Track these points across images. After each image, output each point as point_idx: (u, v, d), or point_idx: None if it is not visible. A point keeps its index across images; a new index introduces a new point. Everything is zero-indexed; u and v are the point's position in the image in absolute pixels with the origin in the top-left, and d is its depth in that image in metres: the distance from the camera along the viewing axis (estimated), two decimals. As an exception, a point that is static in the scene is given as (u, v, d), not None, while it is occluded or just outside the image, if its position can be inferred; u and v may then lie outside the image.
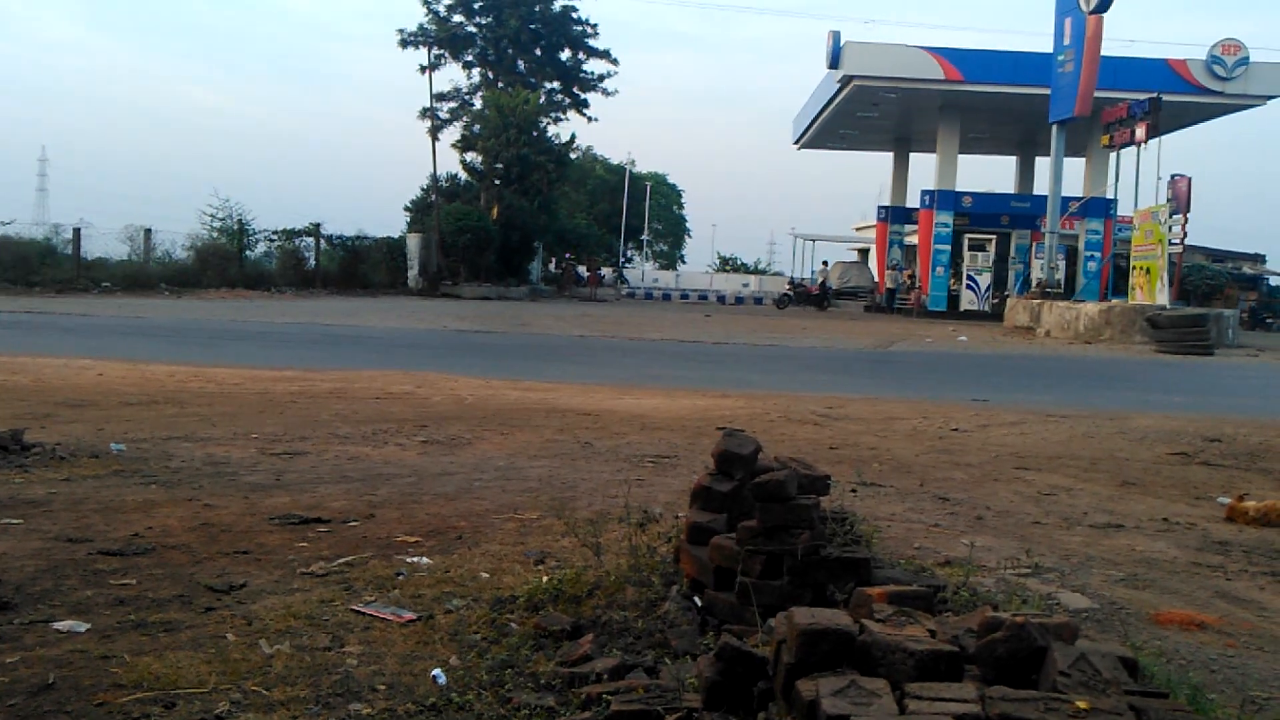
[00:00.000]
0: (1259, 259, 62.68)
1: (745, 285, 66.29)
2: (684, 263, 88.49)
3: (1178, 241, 30.70)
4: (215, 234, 41.20)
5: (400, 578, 4.77)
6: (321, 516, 5.88)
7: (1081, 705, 2.27)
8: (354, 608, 4.33)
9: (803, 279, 60.95)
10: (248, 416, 9.59)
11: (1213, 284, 48.59)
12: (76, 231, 36.47)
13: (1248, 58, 37.11)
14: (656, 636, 3.85)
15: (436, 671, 3.64)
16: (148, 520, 5.65)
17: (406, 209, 51.59)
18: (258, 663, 3.71)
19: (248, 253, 41.86)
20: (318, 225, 43.19)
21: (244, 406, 10.24)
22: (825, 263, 58.15)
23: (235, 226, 41.17)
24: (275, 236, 42.99)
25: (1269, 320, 49.96)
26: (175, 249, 40.06)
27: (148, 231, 39.12)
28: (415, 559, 5.09)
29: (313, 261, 43.15)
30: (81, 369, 12.87)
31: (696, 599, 4.01)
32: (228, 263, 39.45)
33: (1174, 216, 30.15)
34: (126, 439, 8.05)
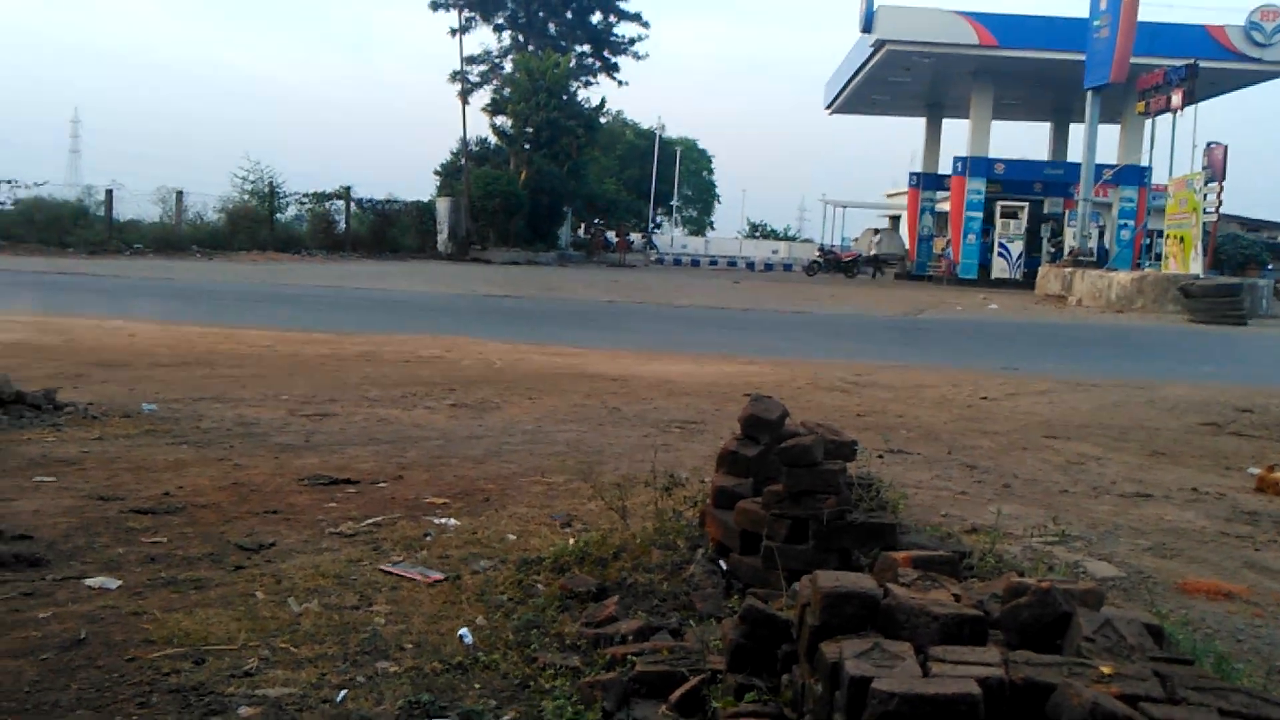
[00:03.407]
0: (1294, 229, 61.90)
1: (775, 252, 66.10)
2: (713, 229, 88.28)
3: (1212, 210, 30.38)
4: (246, 196, 41.34)
5: (428, 538, 4.80)
6: (350, 478, 5.92)
7: (1106, 670, 2.26)
8: (382, 567, 4.36)
9: (833, 246, 60.68)
10: (278, 378, 9.65)
11: (1247, 253, 48.11)
12: (109, 193, 36.68)
13: (1288, 23, 36.52)
14: (681, 599, 3.87)
15: (463, 631, 3.67)
16: (178, 479, 5.70)
17: (436, 173, 51.71)
18: (286, 620, 3.74)
19: (278, 215, 42.02)
20: (348, 189, 43.29)
21: (274, 368, 10.30)
22: (876, 231, 57.34)
23: (266, 189, 41.29)
24: (306, 199, 43.13)
25: (1304, 291, 49.33)
26: (207, 211, 40.29)
27: (179, 194, 39.32)
28: (443, 520, 5.13)
29: (343, 225, 43.27)
30: (114, 330, 12.98)
31: (721, 563, 4.02)
32: (258, 225, 39.62)
33: (1209, 185, 29.82)
34: (158, 399, 8.12)
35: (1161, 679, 2.27)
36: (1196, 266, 29.00)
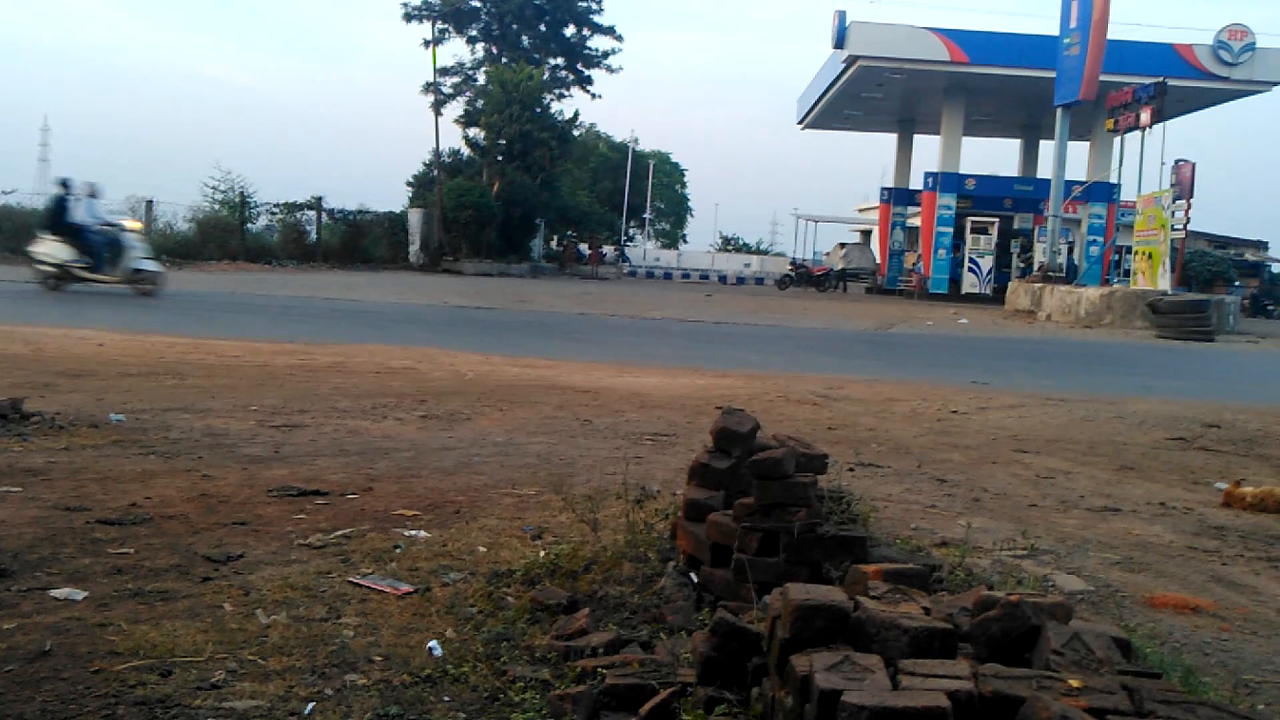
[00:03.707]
0: (1261, 245, 62.71)
1: (747, 265, 66.29)
2: (686, 242, 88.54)
3: (1180, 227, 30.69)
4: (217, 206, 41.25)
5: (398, 550, 4.78)
6: (320, 489, 5.88)
7: (1074, 683, 2.28)
8: (351, 579, 4.34)
9: (804, 260, 60.93)
10: (247, 389, 9.59)
11: (1214, 270, 48.62)
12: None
13: (1254, 43, 37.06)
14: (652, 612, 3.86)
15: (433, 643, 3.65)
16: (146, 490, 5.65)
17: (409, 184, 51.73)
18: (254, 632, 3.72)
19: (249, 225, 41.91)
20: (319, 199, 43.23)
21: (243, 379, 10.24)
22: (842, 244, 57.87)
23: (237, 199, 41.19)
24: (277, 209, 43.07)
25: (1270, 307, 49.96)
26: (177, 221, 40.15)
27: (149, 203, 39.08)
28: (413, 532, 5.10)
29: (314, 235, 43.20)
30: (81, 339, 12.88)
31: (693, 575, 4.02)
32: (229, 235, 39.49)
33: (1177, 202, 30.14)
34: (126, 409, 8.05)
35: (1129, 692, 2.28)
36: (1165, 283, 29.27)
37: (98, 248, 19.47)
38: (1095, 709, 2.15)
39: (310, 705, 3.15)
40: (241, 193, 41.26)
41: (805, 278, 49.64)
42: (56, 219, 19.86)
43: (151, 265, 19.95)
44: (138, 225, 20.10)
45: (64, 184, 20.18)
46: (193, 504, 5.43)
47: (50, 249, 19.57)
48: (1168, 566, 5.29)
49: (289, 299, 23.35)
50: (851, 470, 6.84)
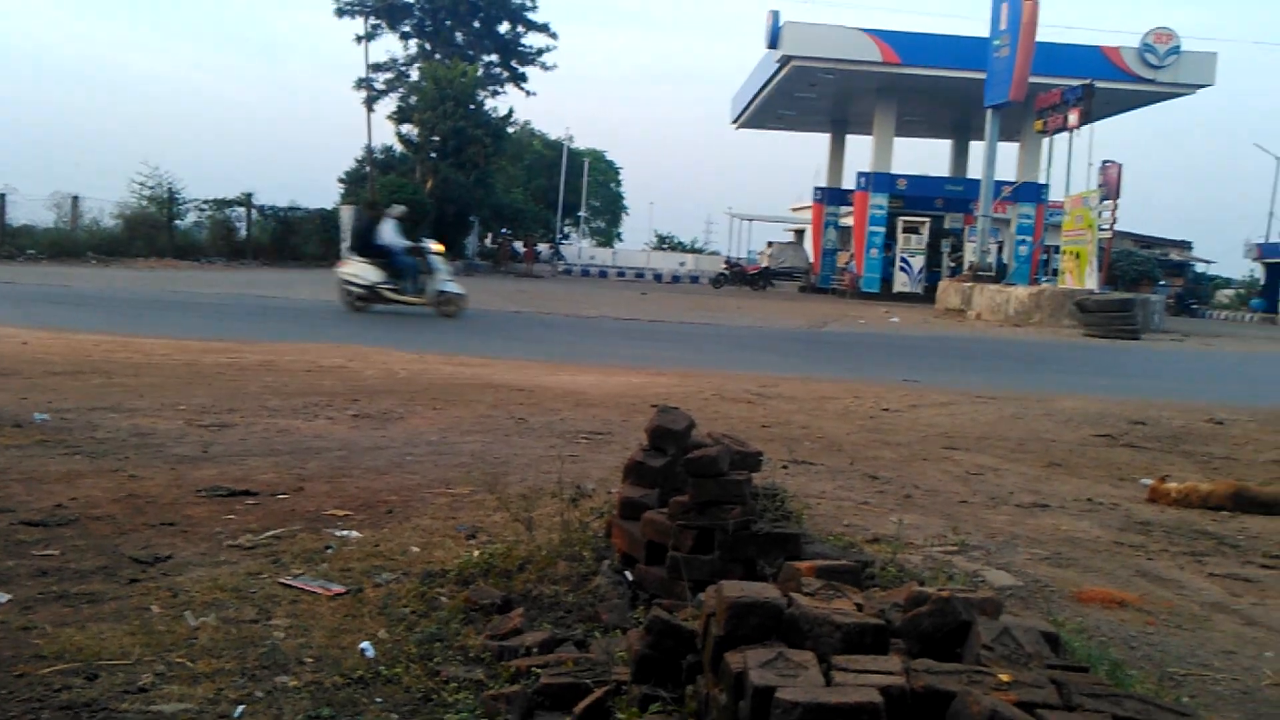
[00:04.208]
0: (1186, 245, 64.04)
1: (682, 264, 66.53)
2: (621, 240, 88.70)
3: (1107, 227, 31.22)
4: (144, 202, 40.59)
5: (329, 551, 4.73)
6: (249, 489, 5.81)
7: (1004, 677, 2.31)
8: (282, 580, 4.28)
9: (739, 259, 61.25)
10: (175, 388, 9.44)
11: (1140, 270, 49.57)
12: (1, 197, 35.66)
13: (1179, 46, 37.76)
14: (587, 610, 3.86)
15: (365, 644, 3.62)
16: (71, 491, 5.55)
17: (341, 180, 51.17)
18: (183, 635, 3.66)
19: (177, 222, 41.31)
20: (249, 195, 42.72)
21: (171, 377, 10.08)
22: (769, 244, 58.51)
23: (165, 195, 40.59)
24: (206, 206, 42.45)
25: (1194, 306, 51.05)
26: (104, 217, 39.48)
27: (75, 199, 38.46)
28: (344, 532, 5.05)
29: (244, 232, 42.68)
30: (5, 337, 12.60)
31: (628, 574, 4.02)
32: (157, 232, 38.89)
33: (1104, 202, 30.67)
34: (51, 409, 7.89)
35: (1058, 686, 2.32)
36: (1092, 282, 29.78)
37: (407, 270, 19.80)
38: (1025, 703, 2.18)
39: (240, 708, 3.11)
40: (170, 189, 40.68)
41: (740, 276, 49.89)
42: (366, 241, 20.17)
43: (455, 288, 20.19)
44: (441, 248, 20.29)
45: (372, 206, 20.82)
46: (119, 505, 5.34)
47: (359, 270, 19.80)
48: (1095, 561, 5.38)
49: (218, 296, 23.02)
50: (785, 468, 6.88)
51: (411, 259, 19.93)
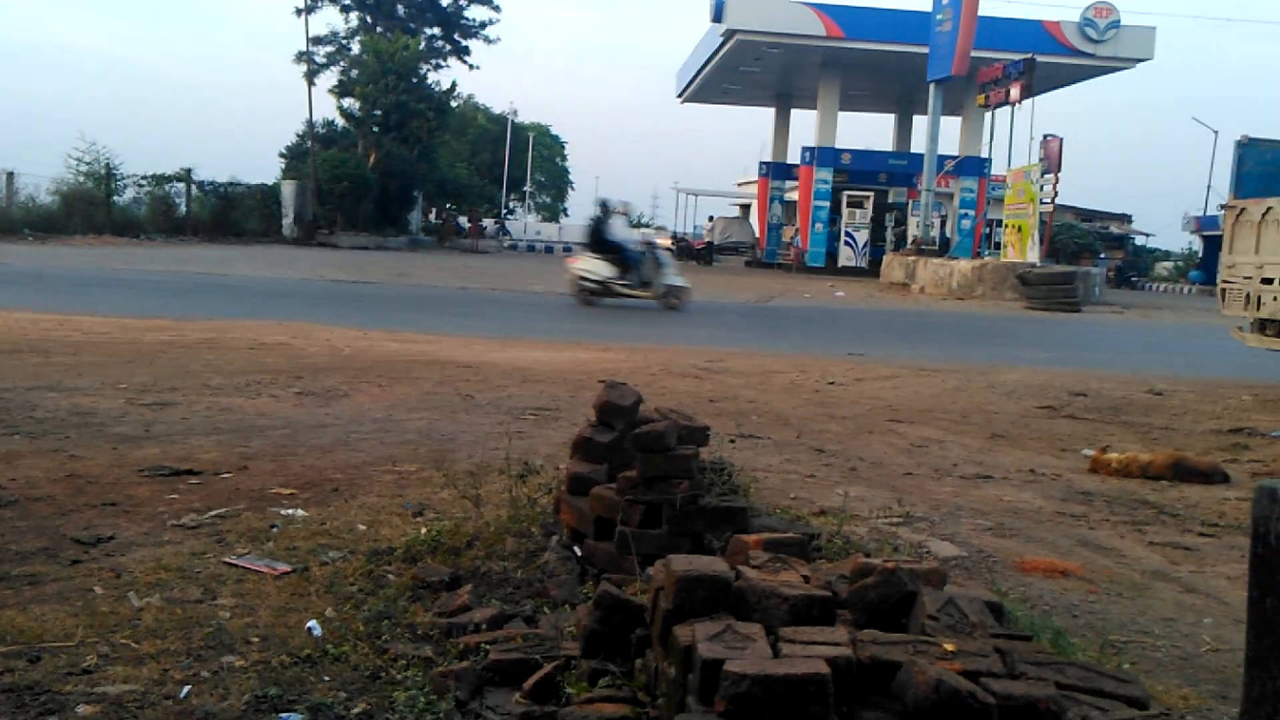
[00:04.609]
0: (1126, 219, 64.88)
1: (628, 239, 66.26)
2: (567, 215, 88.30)
3: (1048, 201, 31.53)
4: (81, 179, 39.98)
5: (274, 530, 4.69)
6: (193, 468, 5.74)
7: (949, 647, 2.33)
8: (226, 560, 4.25)
9: (685, 234, 61.26)
10: (116, 366, 9.31)
11: (1081, 243, 50.17)
12: (-68, 174, 34.99)
13: (1119, 20, 38.11)
14: (536, 586, 3.86)
15: (312, 623, 3.60)
16: (11, 472, 5.46)
17: (282, 155, 50.64)
18: (127, 615, 3.62)
19: (116, 198, 40.75)
20: (189, 171, 42.22)
21: (112, 356, 9.94)
22: (711, 218, 58.63)
23: (103, 171, 39.98)
24: (145, 182, 41.95)
25: (1134, 278, 51.78)
26: (40, 193, 38.83)
27: (10, 175, 37.81)
28: (290, 511, 5.01)
29: (184, 208, 42.19)
30: (-63, 316, 12.37)
31: (576, 549, 4.02)
32: (94, 208, 38.35)
33: (1045, 176, 30.95)
34: (-14, 389, 7.76)
35: (1002, 655, 2.35)
36: (1033, 255, 30.09)
37: (638, 265, 20.14)
38: (969, 672, 2.21)
39: (186, 688, 3.08)
40: (107, 164, 40.08)
41: (686, 251, 49.91)
42: (598, 237, 20.44)
43: (681, 281, 20.66)
44: (667, 242, 20.53)
45: (603, 204, 21.13)
46: (60, 485, 5.26)
47: (593, 265, 20.23)
48: (1037, 531, 5.45)
49: (158, 273, 22.71)
50: (733, 442, 6.90)
51: (640, 254, 20.36)
